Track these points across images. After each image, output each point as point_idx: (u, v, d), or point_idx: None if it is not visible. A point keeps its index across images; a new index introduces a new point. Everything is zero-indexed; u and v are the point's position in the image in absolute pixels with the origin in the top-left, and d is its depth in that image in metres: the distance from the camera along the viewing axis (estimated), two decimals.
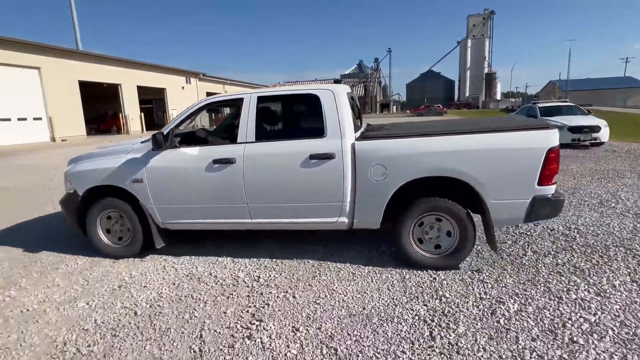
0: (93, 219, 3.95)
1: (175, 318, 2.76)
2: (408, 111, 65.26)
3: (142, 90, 28.55)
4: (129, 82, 27.15)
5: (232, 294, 3.07)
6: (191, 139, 4.04)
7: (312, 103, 3.54)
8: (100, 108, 28.42)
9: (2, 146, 17.93)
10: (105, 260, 3.92)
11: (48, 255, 4.14)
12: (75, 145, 18.82)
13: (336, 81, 4.07)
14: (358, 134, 3.63)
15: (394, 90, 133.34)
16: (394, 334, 2.43)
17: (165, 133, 3.68)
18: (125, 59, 26.76)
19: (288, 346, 2.35)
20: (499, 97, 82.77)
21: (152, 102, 33.14)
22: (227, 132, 4.54)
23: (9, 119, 19.13)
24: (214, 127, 4.49)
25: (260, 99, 3.70)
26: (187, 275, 3.47)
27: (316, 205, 3.48)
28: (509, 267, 3.35)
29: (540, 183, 3.07)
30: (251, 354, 2.30)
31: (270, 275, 3.40)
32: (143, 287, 3.29)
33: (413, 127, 4.11)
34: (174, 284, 3.32)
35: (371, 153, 3.30)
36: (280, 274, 3.42)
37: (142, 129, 28.06)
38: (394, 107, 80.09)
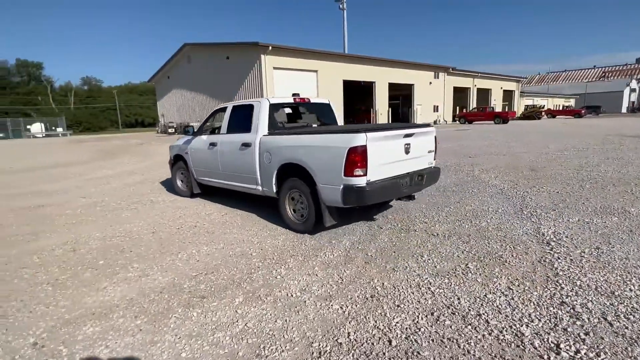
0: (174, 172, 7.21)
1: None
2: None
3: (392, 87, 30.27)
4: (382, 80, 29.29)
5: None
6: (209, 129, 6.55)
7: (250, 110, 5.31)
8: (355, 104, 32.10)
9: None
10: (357, 258, 3.76)
11: (311, 239, 4.39)
12: None
13: None
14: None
15: None
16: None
17: (196, 129, 6.66)
18: (380, 58, 28.93)
19: None
20: None
21: (399, 99, 34.71)
22: (218, 127, 6.19)
23: None
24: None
25: (234, 107, 5.79)
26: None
27: (244, 175, 5.33)
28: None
29: (345, 174, 3.96)
30: None
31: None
32: (396, 306, 2.82)
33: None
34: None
35: (264, 145, 4.97)
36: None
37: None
38: None
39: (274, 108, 5.32)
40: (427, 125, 5.05)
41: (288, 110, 5.77)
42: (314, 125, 5.83)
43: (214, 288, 3.26)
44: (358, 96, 31.81)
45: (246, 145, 5.19)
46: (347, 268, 3.54)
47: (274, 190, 4.90)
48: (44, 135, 45.08)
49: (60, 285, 3.42)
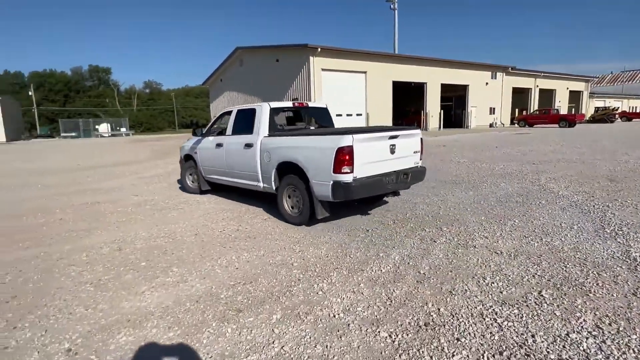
0: (184, 170, 7.60)
1: None
2: None
3: (444, 88, 28.96)
4: (433, 81, 28.12)
5: None
6: (216, 131, 6.96)
7: (252, 114, 5.82)
8: (405, 105, 31.11)
9: None
10: (408, 276, 3.37)
11: (357, 251, 4.06)
12: None
13: None
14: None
15: None
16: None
17: (204, 131, 7.02)
18: (432, 58, 27.79)
19: None
20: None
21: (452, 100, 33.15)
22: (224, 129, 6.57)
23: (341, 115, 23.96)
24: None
25: (238, 111, 6.25)
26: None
27: (247, 173, 5.85)
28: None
29: (334, 171, 4.39)
30: None
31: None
32: (455, 339, 2.41)
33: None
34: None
35: (264, 145, 5.50)
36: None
37: (440, 126, 28.59)
38: None
39: (274, 112, 5.83)
40: (413, 127, 5.46)
41: (288, 113, 6.40)
42: (312, 128, 6.39)
43: (251, 301, 3.04)
44: (408, 97, 30.81)
45: (248, 145, 5.73)
46: (397, 287, 3.17)
47: (274, 187, 5.41)
48: (109, 134, 48.83)
49: (102, 286, 3.40)
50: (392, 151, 4.88)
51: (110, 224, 5.48)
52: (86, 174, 11.24)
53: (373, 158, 4.67)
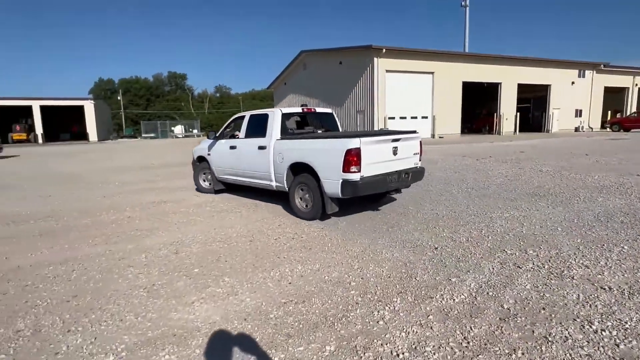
0: (197, 171, 7.94)
1: None
2: None
3: (521, 88, 26.55)
4: (509, 80, 25.92)
5: None
6: (228, 134, 7.29)
7: (265, 118, 6.24)
8: (475, 107, 29.09)
9: None
10: (488, 310, 2.80)
11: (424, 272, 3.56)
12: (449, 142, 19.95)
13: None
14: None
15: None
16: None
17: (217, 134, 7.42)
18: (507, 56, 25.65)
19: None
20: None
21: (530, 101, 30.31)
22: (238, 132, 6.97)
23: (405, 117, 23.06)
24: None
25: (251, 116, 6.74)
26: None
27: (261, 173, 6.26)
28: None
29: (343, 171, 4.84)
30: None
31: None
32: None
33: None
34: None
35: (277, 147, 5.91)
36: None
37: (515, 130, 26.27)
38: None
39: (286, 117, 6.26)
40: (413, 132, 5.87)
41: (297, 118, 6.73)
42: (319, 131, 6.74)
43: (302, 325, 2.72)
44: (479, 99, 28.79)
45: (262, 148, 6.17)
46: (475, 324, 2.63)
47: (286, 186, 5.85)
48: (183, 135, 52.59)
49: (154, 292, 3.32)
50: (395, 153, 5.37)
51: (171, 224, 5.56)
52: (157, 172, 11.93)
53: (378, 159, 5.14)
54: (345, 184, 4.89)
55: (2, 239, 5.05)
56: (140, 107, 74.27)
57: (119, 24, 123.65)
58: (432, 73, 23.33)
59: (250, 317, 2.85)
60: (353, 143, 4.82)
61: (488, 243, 4.26)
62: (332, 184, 5.03)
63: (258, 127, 6.38)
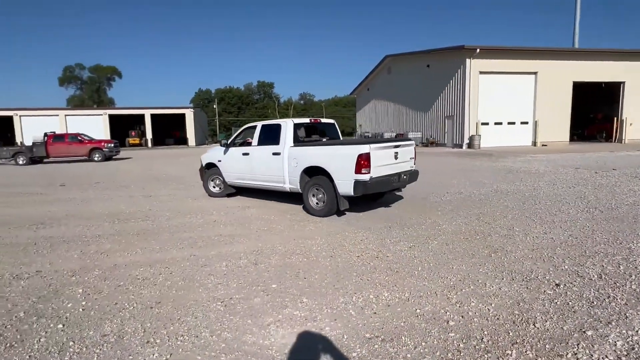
0: (207, 177, 8.47)
1: None
2: None
3: None
4: (636, 79, 21.91)
5: None
6: (239, 143, 8.05)
7: (277, 129, 7.00)
8: (588, 111, 25.24)
9: (489, 147, 19.91)
10: None
11: (544, 316, 2.82)
12: (555, 151, 17.47)
13: None
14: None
15: None
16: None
17: (228, 142, 8.03)
18: (632, 51, 21.72)
19: None
20: None
21: None
22: (250, 140, 7.82)
23: (500, 123, 20.94)
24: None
25: (263, 126, 7.42)
26: None
27: (274, 177, 7.00)
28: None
29: (355, 172, 5.66)
30: None
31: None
32: None
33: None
34: None
35: (291, 153, 6.65)
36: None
37: None
38: None
39: (297, 127, 6.98)
40: (409, 139, 7.31)
41: (306, 127, 7.29)
42: (324, 139, 7.49)
43: None
44: (594, 101, 24.89)
45: (276, 154, 6.90)
46: None
47: (299, 188, 6.59)
48: None
49: (231, 307, 3.16)
50: (396, 157, 6.33)
51: (252, 231, 5.52)
52: None
53: (383, 162, 6.04)
54: (357, 183, 5.69)
55: (109, 236, 5.50)
56: (232, 114, 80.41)
57: (220, 38, 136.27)
58: (535, 73, 20.81)
59: (330, 353, 2.49)
60: (364, 149, 5.70)
61: (632, 284, 3.31)
62: (345, 184, 5.82)
63: (271, 136, 7.12)
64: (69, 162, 21.50)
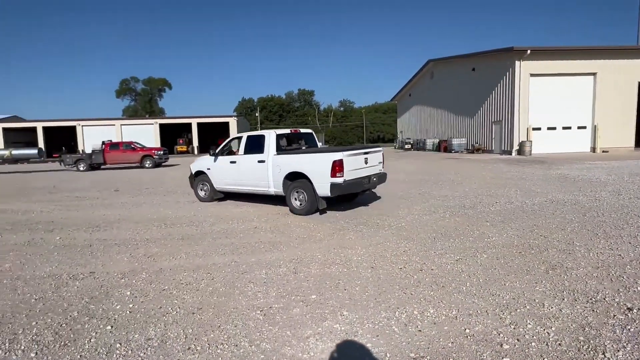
0: (196, 183, 9.30)
1: None
2: None
3: None
4: None
5: None
6: (226, 152, 8.70)
7: (262, 139, 7.81)
8: None
9: (542, 154, 18.68)
10: None
11: (616, 347, 2.51)
12: (617, 158, 16.02)
13: None
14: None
15: None
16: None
17: (217, 151, 8.76)
18: None
19: None
20: None
21: None
22: (236, 149, 8.49)
23: (554, 128, 19.63)
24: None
25: (248, 137, 8.20)
26: None
27: (260, 182, 7.79)
28: None
29: (331, 176, 6.59)
30: None
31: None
32: None
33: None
34: None
35: (274, 161, 7.47)
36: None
37: None
38: None
39: (279, 137, 7.78)
40: (377, 146, 8.19)
41: (287, 137, 8.08)
42: (303, 147, 8.36)
43: None
44: None
45: (261, 161, 7.70)
46: None
47: (282, 190, 7.44)
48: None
49: (270, 317, 3.12)
50: (366, 162, 7.33)
51: (292, 239, 5.50)
52: None
53: (355, 166, 6.98)
54: (333, 185, 6.60)
55: (157, 240, 5.72)
56: (274, 122, 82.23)
57: (260, 45, 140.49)
58: (594, 74, 19.34)
59: None
60: (338, 156, 6.66)
61: None
62: (323, 186, 6.70)
63: (256, 145, 7.92)
64: (122, 168, 22.97)
